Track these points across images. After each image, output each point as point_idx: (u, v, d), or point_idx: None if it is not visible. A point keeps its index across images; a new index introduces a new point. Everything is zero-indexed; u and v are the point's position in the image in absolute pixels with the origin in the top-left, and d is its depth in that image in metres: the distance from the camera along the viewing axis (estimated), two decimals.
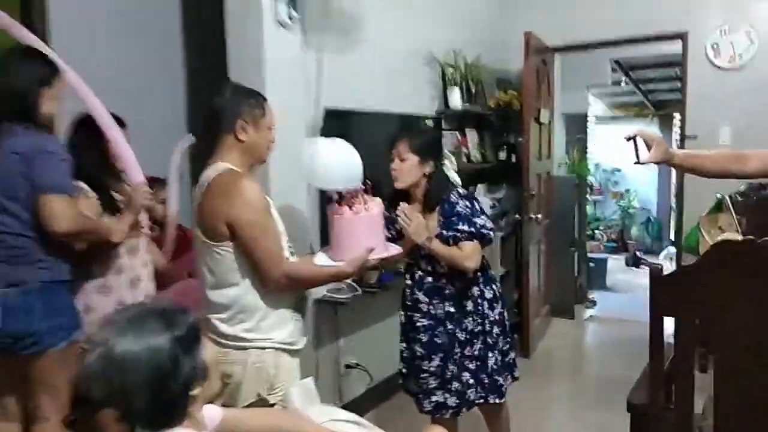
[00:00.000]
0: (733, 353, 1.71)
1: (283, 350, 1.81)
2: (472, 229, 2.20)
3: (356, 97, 3.09)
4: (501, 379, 2.36)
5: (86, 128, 2.17)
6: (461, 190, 2.35)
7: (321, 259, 1.89)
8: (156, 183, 2.59)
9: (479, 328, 2.31)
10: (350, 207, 1.87)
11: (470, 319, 2.30)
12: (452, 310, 2.30)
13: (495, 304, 2.37)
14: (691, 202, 4.14)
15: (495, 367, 2.34)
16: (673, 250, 7.19)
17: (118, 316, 1.17)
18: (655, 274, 1.82)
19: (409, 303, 2.38)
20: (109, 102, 2.16)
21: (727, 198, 3.72)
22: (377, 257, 1.86)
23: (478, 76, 4.14)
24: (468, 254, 2.20)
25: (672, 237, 7.36)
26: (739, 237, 3.60)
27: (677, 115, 6.83)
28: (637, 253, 7.73)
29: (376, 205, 1.92)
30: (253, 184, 1.74)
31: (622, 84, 7.86)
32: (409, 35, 3.58)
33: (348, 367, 3.19)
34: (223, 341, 1.77)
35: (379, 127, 3.23)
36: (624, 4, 4.33)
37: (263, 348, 1.77)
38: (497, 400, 2.36)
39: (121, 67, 2.93)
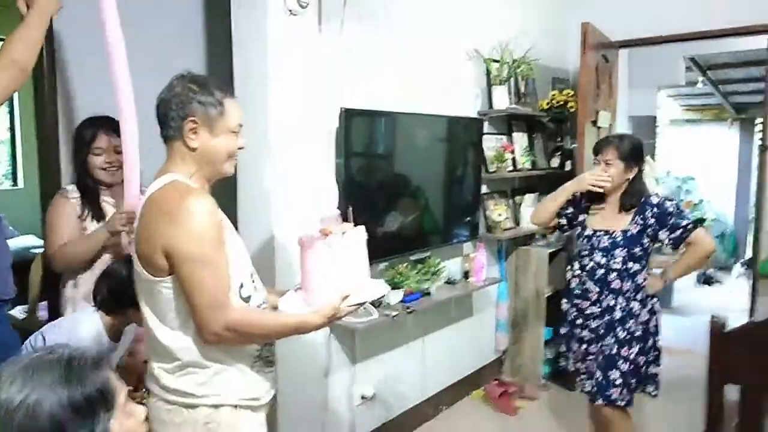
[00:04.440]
0: None
1: (244, 407, 1.49)
2: (690, 218, 2.39)
3: (380, 97, 2.74)
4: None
5: (90, 129, 2.10)
6: (658, 193, 2.52)
7: (287, 302, 1.55)
8: None
9: (638, 333, 2.41)
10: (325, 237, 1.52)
11: (633, 320, 2.40)
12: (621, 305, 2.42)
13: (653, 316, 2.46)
14: None
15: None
16: (742, 269, 6.52)
17: (21, 358, 0.99)
18: (716, 330, 1.43)
19: (578, 292, 2.52)
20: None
21: None
22: (353, 304, 1.50)
23: (529, 74, 3.72)
24: (703, 241, 2.38)
25: (749, 253, 6.68)
26: None
27: (760, 120, 6.14)
28: (710, 270, 7.07)
29: (356, 237, 1.57)
30: (203, 204, 1.37)
31: (699, 84, 7.19)
32: (447, 25, 3.17)
33: (363, 398, 2.86)
34: (169, 396, 1.45)
35: (407, 131, 2.90)
36: None
37: (216, 406, 1.45)
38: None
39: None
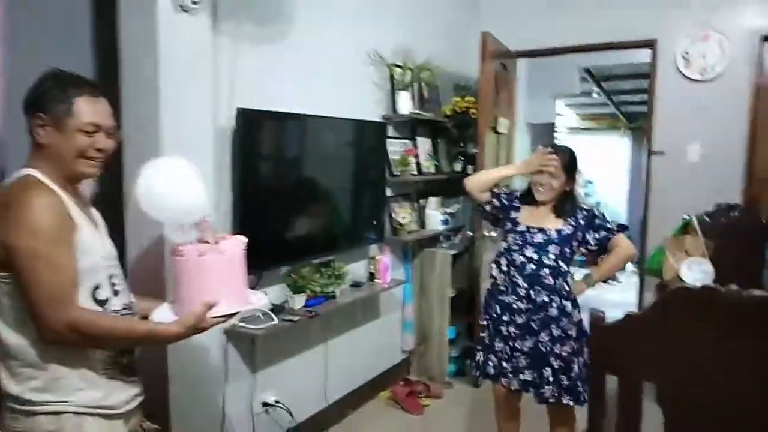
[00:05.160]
0: (685, 417, 1.39)
1: (91, 414, 1.42)
2: (615, 224, 2.50)
3: (280, 97, 2.70)
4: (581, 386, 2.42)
5: None
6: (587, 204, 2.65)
7: (159, 313, 1.50)
8: None
9: (572, 332, 2.44)
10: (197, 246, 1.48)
11: (567, 319, 2.43)
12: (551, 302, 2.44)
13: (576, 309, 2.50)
14: (657, 221, 3.85)
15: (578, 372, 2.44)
16: (634, 267, 6.94)
17: None
18: (596, 322, 1.50)
19: (503, 288, 2.52)
20: None
21: (695, 219, 3.44)
22: (219, 315, 1.46)
23: (432, 80, 3.81)
24: (625, 244, 2.47)
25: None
26: (706, 262, 3.32)
27: None
28: None
29: (232, 245, 1.53)
30: (43, 200, 1.34)
31: (594, 95, 7.64)
32: (349, 29, 3.18)
33: (266, 405, 2.80)
34: (13, 405, 1.39)
35: (308, 133, 2.88)
36: (592, 9, 4.05)
37: (58, 413, 1.38)
38: (571, 403, 2.41)
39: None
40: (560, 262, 2.44)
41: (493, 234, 3.83)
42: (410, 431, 3.38)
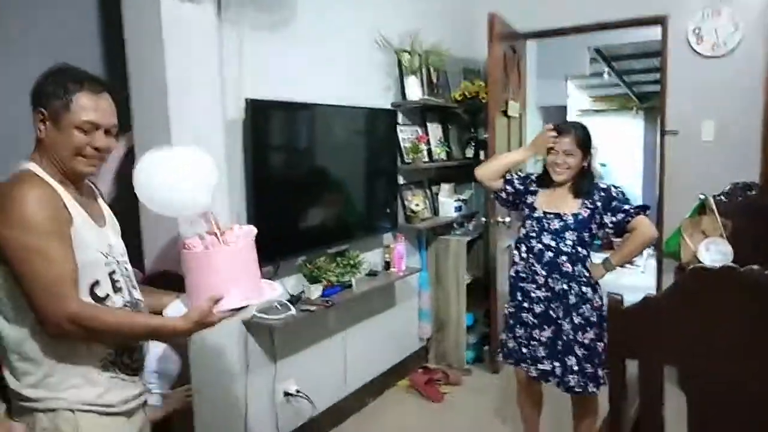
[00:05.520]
0: (708, 399, 1.38)
1: (90, 411, 1.41)
2: (633, 204, 2.41)
3: (288, 86, 2.69)
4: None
5: None
6: (605, 182, 2.55)
7: (172, 308, 1.49)
8: None
9: (594, 318, 2.39)
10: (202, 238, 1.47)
11: (588, 305, 2.39)
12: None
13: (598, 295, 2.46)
14: (673, 202, 3.81)
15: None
16: (651, 250, 6.89)
17: None
18: (614, 306, 1.49)
19: (524, 275, 2.48)
20: None
21: (711, 199, 3.40)
22: (227, 309, 1.44)
23: (441, 65, 3.78)
24: (645, 227, 2.39)
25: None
26: (724, 242, 3.29)
27: None
28: None
29: (240, 237, 1.51)
30: (35, 192, 1.33)
31: (605, 75, 7.54)
32: (356, 15, 3.16)
33: (287, 395, 2.83)
34: (16, 401, 1.40)
35: (318, 122, 2.88)
36: None
37: (55, 410, 1.38)
38: (596, 390, 2.40)
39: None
40: (579, 248, 2.39)
41: (507, 219, 3.81)
42: (431, 419, 3.38)
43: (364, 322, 3.39)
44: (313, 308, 2.71)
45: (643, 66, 7.37)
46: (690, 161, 3.76)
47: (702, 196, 3.43)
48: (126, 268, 1.55)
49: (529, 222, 2.49)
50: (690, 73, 3.74)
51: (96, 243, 1.45)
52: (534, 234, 2.45)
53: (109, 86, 1.49)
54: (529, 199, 2.54)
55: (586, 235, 2.41)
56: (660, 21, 3.82)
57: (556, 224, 2.41)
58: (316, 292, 2.82)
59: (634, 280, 6.04)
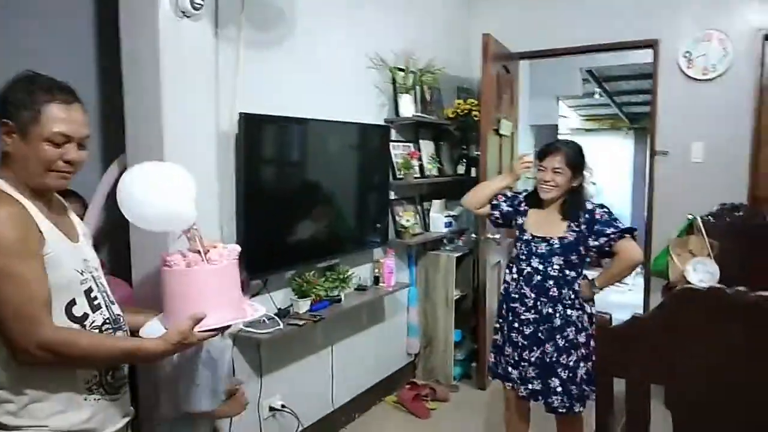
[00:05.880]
0: (694, 419, 1.38)
1: None
2: (619, 227, 2.35)
3: (282, 102, 2.69)
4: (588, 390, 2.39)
5: None
6: (593, 201, 2.49)
7: (150, 328, 1.44)
8: (72, 196, 2.23)
9: (581, 339, 2.39)
10: (184, 256, 1.44)
11: (572, 328, 2.38)
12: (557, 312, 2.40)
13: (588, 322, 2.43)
14: (662, 221, 3.84)
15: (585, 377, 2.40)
16: (639, 268, 6.91)
17: None
18: (602, 324, 1.49)
19: (515, 296, 2.47)
20: None
21: (699, 219, 3.44)
22: (208, 329, 1.40)
23: (434, 83, 3.81)
24: (628, 251, 2.34)
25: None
26: (711, 262, 3.31)
27: None
28: None
29: (223, 255, 1.48)
30: (4, 211, 1.25)
31: (596, 96, 7.63)
32: (351, 32, 3.18)
33: (272, 410, 2.80)
34: None
35: (311, 137, 2.88)
36: (593, 10, 4.04)
37: None
38: (582, 410, 2.39)
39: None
40: (566, 271, 2.39)
41: (497, 236, 3.83)
42: None
43: (352, 337, 3.38)
44: (301, 322, 2.70)
45: (633, 87, 7.47)
46: (679, 181, 3.80)
47: (690, 216, 3.47)
48: (102, 284, 1.48)
49: (519, 244, 2.51)
50: (680, 95, 3.80)
51: (71, 261, 1.38)
52: (523, 257, 2.46)
53: (80, 96, 1.41)
54: (520, 219, 2.54)
55: (574, 257, 2.40)
56: (651, 45, 3.87)
57: (543, 248, 2.41)
58: (304, 306, 2.80)
59: (622, 298, 6.05)
